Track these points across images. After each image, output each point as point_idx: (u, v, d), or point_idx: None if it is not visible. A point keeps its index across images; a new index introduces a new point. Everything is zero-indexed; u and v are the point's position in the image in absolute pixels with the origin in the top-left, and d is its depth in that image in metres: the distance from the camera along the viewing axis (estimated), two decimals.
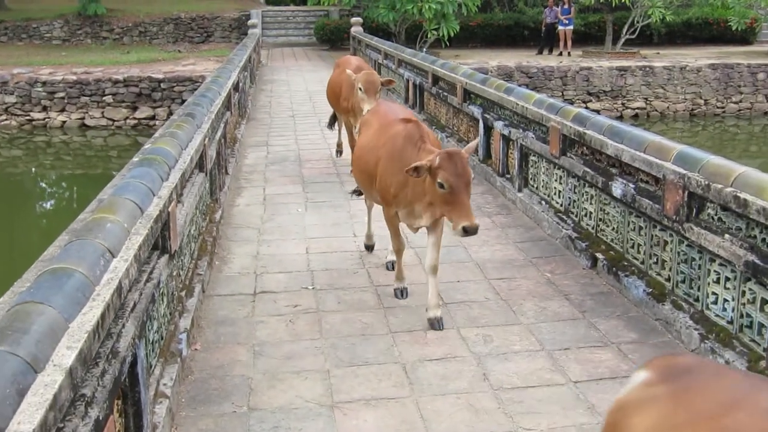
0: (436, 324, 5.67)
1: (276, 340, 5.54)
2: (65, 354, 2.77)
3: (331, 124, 11.89)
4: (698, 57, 25.84)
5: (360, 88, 8.57)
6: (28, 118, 22.18)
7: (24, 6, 35.89)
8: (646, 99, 23.69)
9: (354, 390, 4.83)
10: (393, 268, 6.66)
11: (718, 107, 23.86)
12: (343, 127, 11.00)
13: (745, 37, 31.56)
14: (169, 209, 4.95)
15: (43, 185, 19.79)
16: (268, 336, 5.61)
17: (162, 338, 4.83)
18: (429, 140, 5.69)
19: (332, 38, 32.81)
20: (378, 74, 8.95)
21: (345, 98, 9.94)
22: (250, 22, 29.57)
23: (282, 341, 5.52)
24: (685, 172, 5.40)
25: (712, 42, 32.03)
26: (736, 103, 23.92)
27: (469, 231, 5.00)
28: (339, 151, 11.56)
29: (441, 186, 5.09)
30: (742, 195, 4.79)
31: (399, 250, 6.25)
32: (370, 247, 7.44)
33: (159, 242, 4.82)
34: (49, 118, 22.18)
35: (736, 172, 4.98)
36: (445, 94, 12.75)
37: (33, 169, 20.24)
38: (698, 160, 5.37)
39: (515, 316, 5.87)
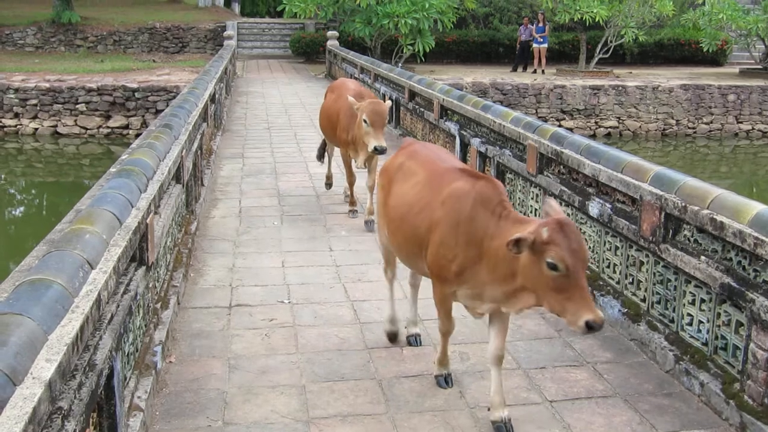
0: (503, 429, 4.56)
1: (251, 354, 5.50)
2: (44, 366, 2.74)
3: (320, 157, 10.47)
4: (670, 77, 26.12)
5: (365, 120, 7.67)
6: None
7: None
8: (618, 118, 23.90)
9: (330, 406, 4.81)
10: (417, 342, 5.71)
11: (689, 127, 24.12)
12: (334, 158, 10.36)
13: (716, 59, 32.00)
14: (147, 221, 4.92)
15: (13, 192, 19.57)
16: (243, 350, 5.57)
17: (137, 350, 4.78)
18: (510, 205, 4.47)
19: (308, 51, 32.82)
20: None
21: (344, 129, 8.64)
22: (225, 34, 29.52)
23: (258, 355, 5.49)
24: (662, 193, 5.44)
25: (683, 63, 32.44)
26: (707, 123, 24.20)
27: (594, 328, 3.81)
28: (328, 184, 10.18)
29: (553, 268, 3.85)
30: (719, 217, 4.84)
31: (447, 332, 5.05)
32: (392, 336, 5.79)
33: (137, 254, 4.79)
34: (21, 125, 21.98)
35: (712, 195, 5.03)
36: (422, 109, 12.80)
37: (3, 176, 20.02)
38: (675, 181, 5.42)
39: None
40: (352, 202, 9.26)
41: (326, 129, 9.52)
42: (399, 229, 5.06)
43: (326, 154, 10.28)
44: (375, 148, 7.66)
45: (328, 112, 9.32)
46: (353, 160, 8.77)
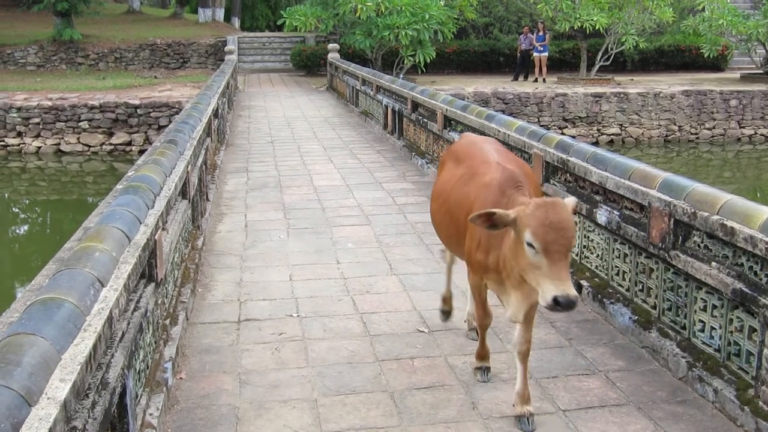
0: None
1: (262, 369, 5.48)
2: (59, 386, 2.72)
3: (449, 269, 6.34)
4: (671, 83, 26.13)
5: (530, 243, 3.94)
6: (2, 143, 22.00)
7: None
8: (621, 125, 23.90)
9: (342, 419, 4.78)
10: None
11: (691, 133, 24.12)
12: (456, 270, 6.30)
13: (716, 64, 32.00)
14: (156, 237, 4.91)
15: (17, 211, 19.59)
16: (253, 364, 5.55)
17: (148, 367, 4.77)
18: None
19: (309, 64, 32.90)
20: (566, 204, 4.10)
21: (480, 243, 4.70)
22: (227, 48, 29.58)
23: (268, 369, 5.47)
24: (670, 199, 5.43)
25: (684, 69, 32.48)
26: (709, 129, 24.20)
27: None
28: (445, 312, 6.24)
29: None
30: (729, 223, 4.82)
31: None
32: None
33: (146, 270, 4.78)
34: (23, 143, 22.02)
35: (722, 200, 5.01)
36: (425, 120, 12.80)
37: (7, 195, 20.04)
38: (684, 187, 5.40)
39: (502, 344, 5.85)
40: (482, 355, 5.39)
41: (443, 226, 5.46)
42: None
43: (447, 266, 6.32)
44: (555, 300, 3.83)
45: (446, 198, 5.32)
46: (500, 300, 4.94)
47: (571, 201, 4.14)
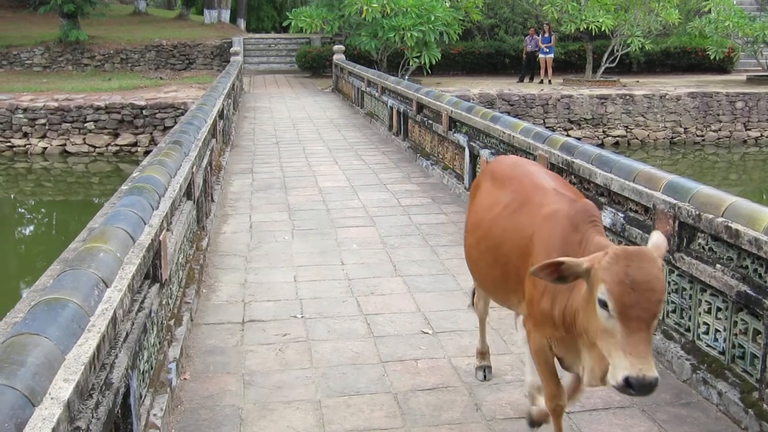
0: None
1: (266, 370, 5.49)
2: (62, 387, 2.73)
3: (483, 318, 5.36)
4: (677, 85, 26.09)
5: (605, 304, 3.09)
6: (8, 144, 22.04)
7: (4, 32, 35.72)
8: (626, 127, 23.86)
9: (346, 420, 4.78)
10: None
11: (697, 135, 24.07)
12: (492, 314, 5.75)
13: (722, 66, 31.91)
14: (160, 238, 4.92)
15: (23, 211, 19.62)
16: (257, 365, 5.55)
17: (152, 368, 4.78)
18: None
19: (314, 65, 32.92)
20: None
21: (553, 289, 3.61)
22: (232, 50, 29.62)
23: (272, 370, 5.47)
24: (675, 201, 5.42)
25: (690, 71, 32.40)
26: (715, 131, 24.14)
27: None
28: (482, 368, 5.33)
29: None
30: (734, 225, 4.81)
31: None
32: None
33: (150, 271, 4.79)
34: (29, 144, 22.06)
35: (727, 202, 5.01)
36: (430, 121, 12.80)
37: (12, 196, 20.08)
38: (688, 189, 5.40)
39: (506, 346, 5.85)
40: None
41: (482, 266, 4.44)
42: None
43: (475, 306, 5.32)
44: (627, 381, 3.00)
45: (487, 231, 4.32)
46: (567, 365, 3.87)
47: (658, 246, 3.30)
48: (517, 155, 8.63)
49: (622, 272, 3.00)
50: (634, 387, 2.92)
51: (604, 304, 3.04)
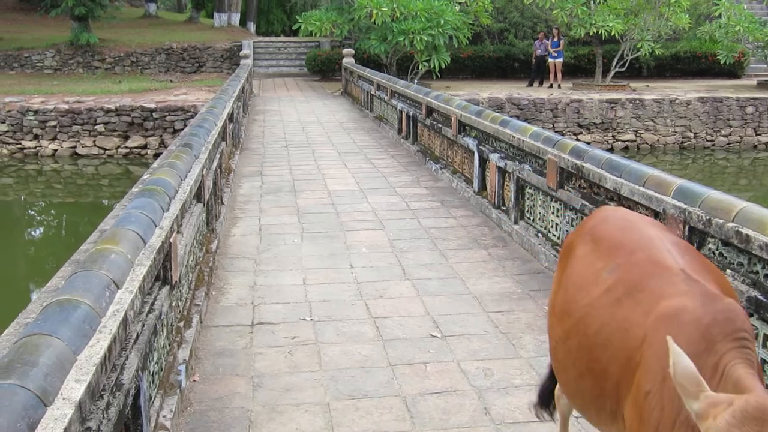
0: None
1: (275, 372, 5.50)
2: (74, 387, 2.74)
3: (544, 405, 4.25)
4: (687, 90, 26.04)
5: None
6: (19, 146, 22.16)
7: (16, 35, 35.92)
8: (636, 131, 23.82)
9: (355, 423, 4.79)
10: None
11: (707, 140, 24.02)
12: None
13: (733, 71, 31.82)
14: (171, 240, 4.93)
15: (33, 213, 19.70)
16: (266, 368, 5.56)
17: (162, 369, 4.79)
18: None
19: (323, 69, 32.97)
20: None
21: (685, 419, 2.32)
22: (242, 53, 29.71)
23: (281, 373, 5.48)
24: (685, 206, 5.41)
25: (700, 75, 32.33)
26: (725, 136, 24.09)
27: None
28: None
29: None
30: (744, 230, 4.80)
31: None
32: None
33: (160, 273, 4.80)
34: (40, 146, 22.17)
35: (737, 207, 4.99)
36: (440, 125, 12.80)
37: (23, 198, 20.16)
38: (699, 194, 5.39)
39: (515, 350, 5.85)
40: None
41: (569, 366, 3.22)
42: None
43: (557, 401, 4.03)
44: None
45: (580, 320, 3.12)
46: None
47: None
48: (527, 159, 8.61)
49: None
50: None
51: None
